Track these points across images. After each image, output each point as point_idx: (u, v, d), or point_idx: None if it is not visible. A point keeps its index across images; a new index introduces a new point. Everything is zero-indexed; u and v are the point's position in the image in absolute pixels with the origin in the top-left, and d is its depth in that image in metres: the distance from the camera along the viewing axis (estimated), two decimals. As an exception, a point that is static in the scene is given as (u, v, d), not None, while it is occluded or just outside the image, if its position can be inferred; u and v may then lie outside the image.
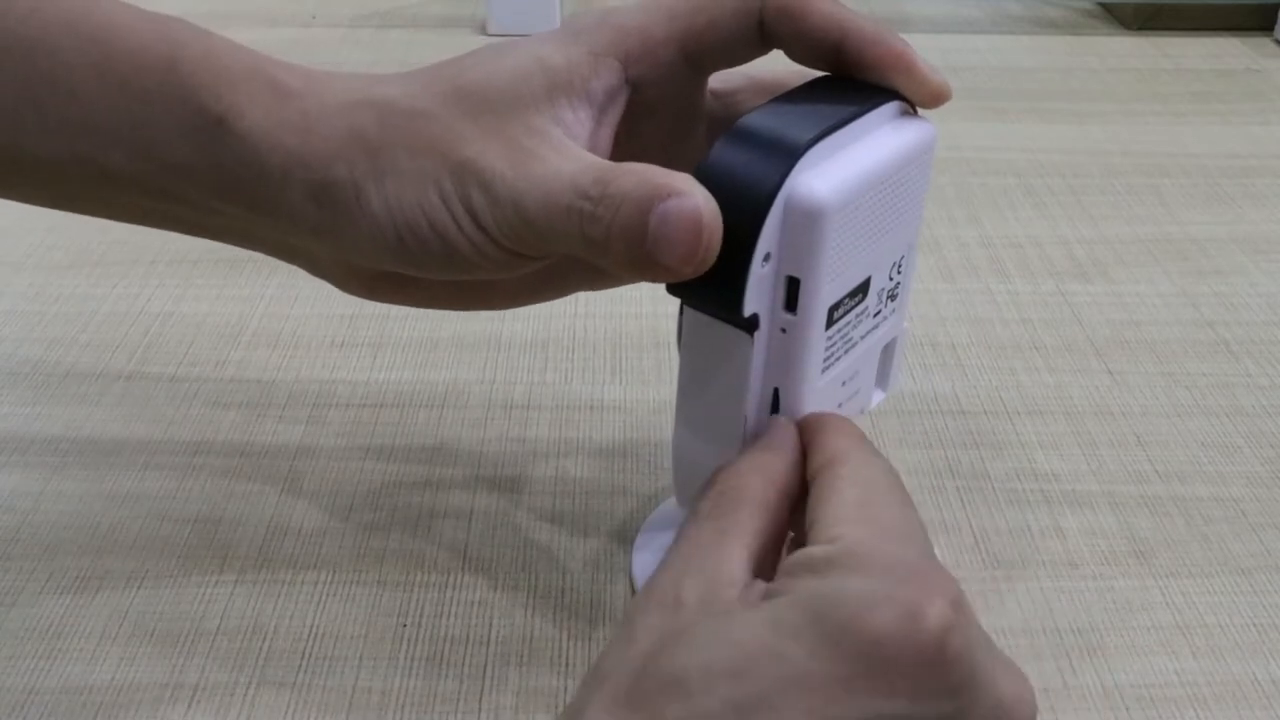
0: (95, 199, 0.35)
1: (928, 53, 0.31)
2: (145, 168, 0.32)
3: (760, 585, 0.27)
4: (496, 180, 0.30)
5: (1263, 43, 0.93)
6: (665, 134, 0.34)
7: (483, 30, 0.90)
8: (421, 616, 0.39)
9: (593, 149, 0.32)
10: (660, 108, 0.34)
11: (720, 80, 0.35)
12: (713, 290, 0.30)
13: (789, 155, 0.29)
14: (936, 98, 0.32)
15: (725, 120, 0.30)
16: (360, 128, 0.31)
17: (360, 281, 0.35)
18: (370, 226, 0.31)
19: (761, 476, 0.30)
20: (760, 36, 0.32)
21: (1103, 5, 1.00)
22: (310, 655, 0.38)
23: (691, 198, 0.28)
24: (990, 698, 0.25)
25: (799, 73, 0.33)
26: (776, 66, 0.34)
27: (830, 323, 0.32)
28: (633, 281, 0.39)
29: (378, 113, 0.31)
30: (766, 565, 0.29)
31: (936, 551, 0.42)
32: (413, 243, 0.31)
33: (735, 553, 0.28)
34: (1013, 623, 0.39)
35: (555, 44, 0.32)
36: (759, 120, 0.30)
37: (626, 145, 0.34)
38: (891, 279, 0.34)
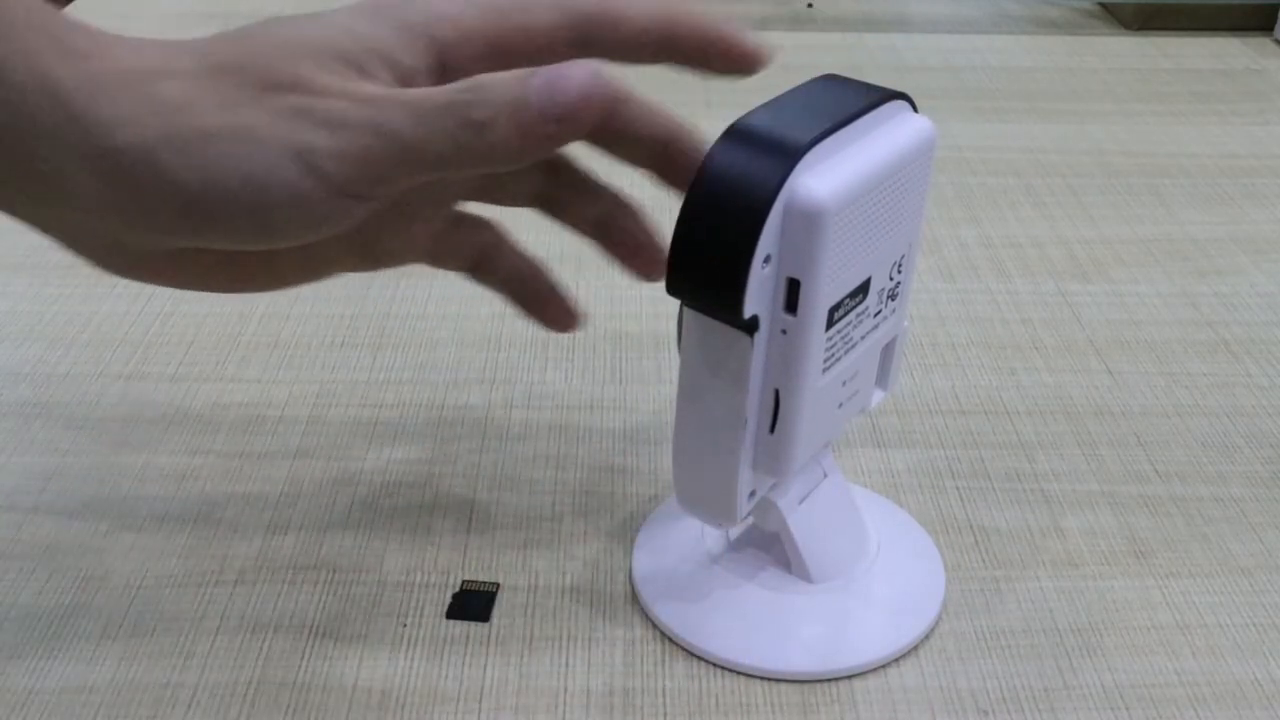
0: None
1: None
2: None
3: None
4: (342, 113, 0.29)
5: (1263, 43, 0.93)
6: None
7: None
8: (421, 616, 0.39)
9: None
10: None
11: None
12: (713, 292, 0.30)
13: (789, 157, 0.29)
14: (756, 60, 0.32)
15: None
16: (159, 92, 0.29)
17: (124, 259, 0.33)
18: (166, 193, 0.29)
19: None
20: (581, 44, 0.32)
21: (1103, 5, 1.00)
22: (310, 655, 0.38)
23: (567, 64, 0.29)
24: None
25: None
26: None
27: (830, 323, 0.32)
28: (508, 189, 0.38)
29: (181, 73, 0.29)
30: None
31: (937, 551, 0.42)
32: (218, 205, 0.29)
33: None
34: (1013, 622, 0.39)
35: (359, 15, 0.31)
36: (758, 120, 0.30)
37: None
38: (892, 279, 0.34)
